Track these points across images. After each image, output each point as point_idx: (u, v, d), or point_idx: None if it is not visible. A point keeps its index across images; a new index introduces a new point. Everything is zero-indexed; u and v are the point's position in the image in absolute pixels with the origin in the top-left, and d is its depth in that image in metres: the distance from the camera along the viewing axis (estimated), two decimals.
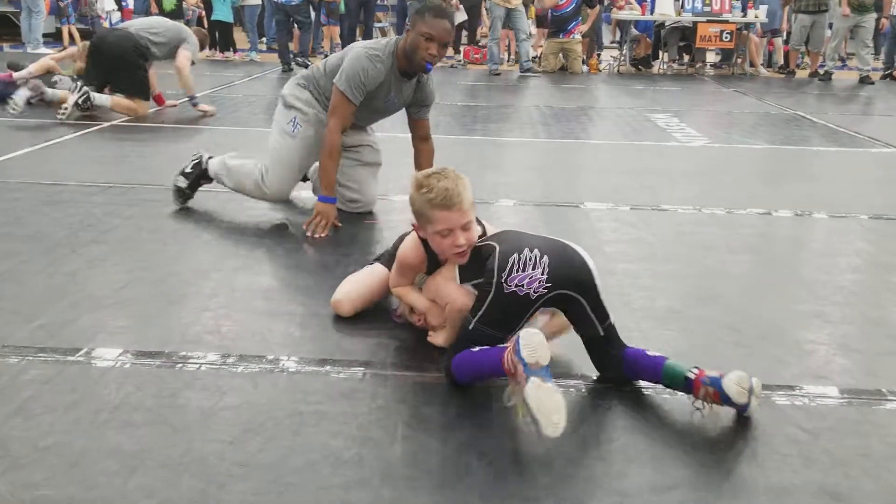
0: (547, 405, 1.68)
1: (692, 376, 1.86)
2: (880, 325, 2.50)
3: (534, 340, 1.75)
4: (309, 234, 3.22)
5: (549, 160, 5.12)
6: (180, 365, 2.09)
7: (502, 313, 1.95)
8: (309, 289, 2.70)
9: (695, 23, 10.45)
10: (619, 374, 2.01)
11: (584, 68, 10.58)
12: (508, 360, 1.79)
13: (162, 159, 4.69)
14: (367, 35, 11.44)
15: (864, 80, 9.87)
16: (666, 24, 10.85)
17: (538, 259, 1.92)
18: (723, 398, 1.82)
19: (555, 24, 10.33)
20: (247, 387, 1.99)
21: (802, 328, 2.47)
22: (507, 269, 1.92)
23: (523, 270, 1.91)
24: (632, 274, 2.85)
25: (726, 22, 10.34)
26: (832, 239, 3.48)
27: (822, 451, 1.76)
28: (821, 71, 10.22)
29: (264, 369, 2.08)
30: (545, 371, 1.72)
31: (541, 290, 1.91)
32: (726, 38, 10.36)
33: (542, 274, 1.91)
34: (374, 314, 2.47)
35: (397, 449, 1.74)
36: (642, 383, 2.02)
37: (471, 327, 1.97)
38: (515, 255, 1.93)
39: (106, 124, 5.70)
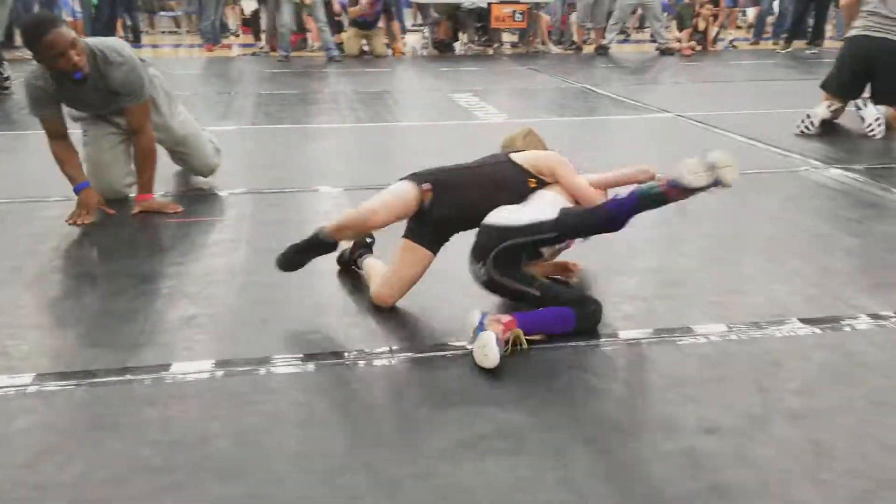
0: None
1: (662, 189, 2.13)
2: (660, 273, 2.76)
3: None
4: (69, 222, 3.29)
5: (361, 145, 5.15)
6: None
7: (507, 293, 2.33)
8: (101, 297, 2.57)
9: (489, 4, 10.83)
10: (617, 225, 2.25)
11: (389, 51, 10.68)
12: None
13: None
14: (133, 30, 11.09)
15: (665, 52, 10.65)
16: (462, 6, 11.16)
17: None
18: (685, 191, 2.08)
19: (358, 25, 10.48)
20: (39, 407, 1.88)
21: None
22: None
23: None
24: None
25: (518, 2, 10.81)
26: None
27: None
28: (604, 42, 10.93)
29: (59, 386, 1.97)
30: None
31: (480, 269, 2.31)
32: (518, 18, 10.84)
33: (472, 263, 2.35)
34: (160, 318, 2.41)
35: (208, 449, 1.72)
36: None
37: None
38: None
39: None
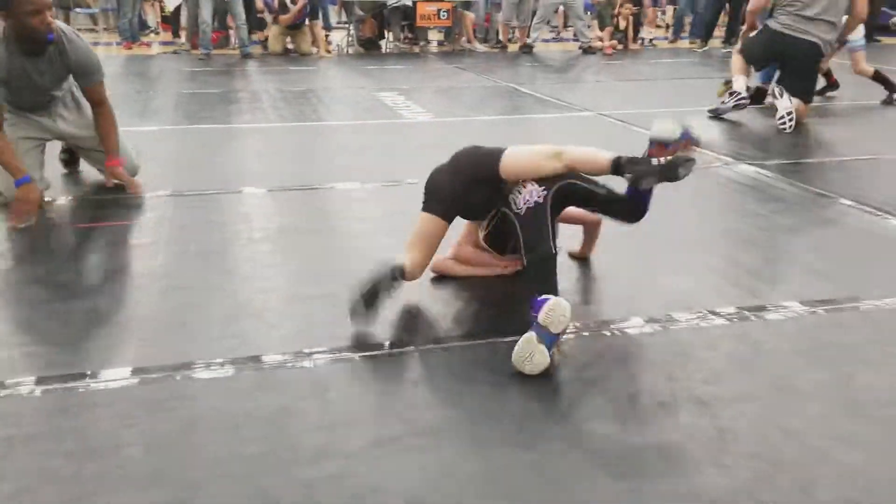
0: (524, 353, 2.04)
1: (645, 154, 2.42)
2: (575, 268, 2.83)
3: (554, 310, 2.07)
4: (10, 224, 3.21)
5: (285, 144, 5.09)
6: None
7: (533, 231, 2.34)
8: (13, 305, 2.49)
9: (415, 2, 10.85)
10: (639, 209, 2.50)
11: (314, 49, 10.58)
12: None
13: None
14: None
15: (588, 51, 10.85)
16: (388, 4, 11.14)
17: (522, 184, 2.40)
18: (665, 144, 2.40)
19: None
20: None
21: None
22: (513, 204, 2.39)
23: (520, 194, 2.38)
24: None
25: (443, 1, 10.85)
26: None
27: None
28: (528, 41, 11.08)
29: None
30: (545, 334, 2.05)
31: (539, 196, 2.36)
32: (444, 16, 10.89)
33: (534, 186, 2.38)
34: (75, 326, 2.35)
35: (121, 457, 1.69)
36: None
37: (526, 263, 2.32)
38: (511, 195, 2.41)
39: None
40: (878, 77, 6.48)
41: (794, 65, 5.41)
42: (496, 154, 2.48)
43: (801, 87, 5.42)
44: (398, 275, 2.34)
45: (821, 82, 6.73)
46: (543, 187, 2.39)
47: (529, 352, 2.03)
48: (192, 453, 1.70)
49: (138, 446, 1.73)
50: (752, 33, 5.73)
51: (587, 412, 1.90)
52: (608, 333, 2.31)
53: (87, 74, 3.45)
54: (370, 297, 2.27)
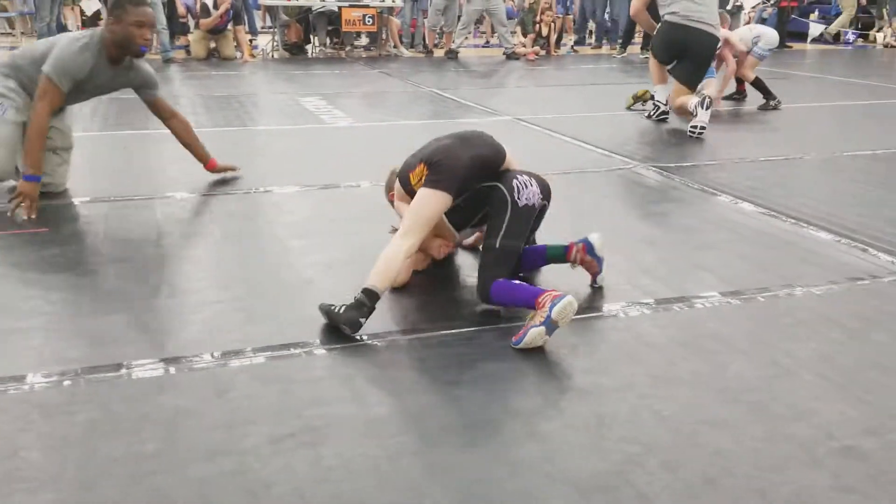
0: (537, 341, 2.26)
1: (566, 244, 2.71)
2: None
3: (568, 308, 2.26)
4: (9, 214, 3.34)
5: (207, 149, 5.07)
6: None
7: (518, 226, 2.54)
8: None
9: (340, 7, 10.88)
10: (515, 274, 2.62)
11: (238, 54, 10.51)
12: (543, 303, 2.27)
13: None
14: None
15: (511, 57, 11.06)
16: (313, 9, 11.14)
17: (529, 180, 2.60)
18: (588, 250, 2.67)
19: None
20: None
21: None
22: (517, 192, 2.54)
23: (526, 188, 2.56)
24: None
25: (368, 6, 10.92)
26: None
27: None
28: (453, 46, 11.25)
29: None
30: (553, 327, 2.26)
31: (538, 200, 2.60)
32: (369, 21, 10.95)
33: (536, 188, 2.60)
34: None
35: (16, 461, 1.72)
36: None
37: (497, 245, 2.49)
38: (516, 181, 2.57)
39: None
40: (758, 84, 6.80)
41: (691, 54, 5.65)
42: (500, 145, 2.69)
43: (691, 75, 5.68)
44: (355, 331, 2.32)
45: (731, 86, 7.06)
46: (542, 197, 2.62)
47: (537, 340, 2.25)
48: (88, 455, 1.74)
49: (35, 450, 1.76)
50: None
51: (475, 405, 2.00)
52: (503, 326, 2.42)
53: (152, 86, 3.80)
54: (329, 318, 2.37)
